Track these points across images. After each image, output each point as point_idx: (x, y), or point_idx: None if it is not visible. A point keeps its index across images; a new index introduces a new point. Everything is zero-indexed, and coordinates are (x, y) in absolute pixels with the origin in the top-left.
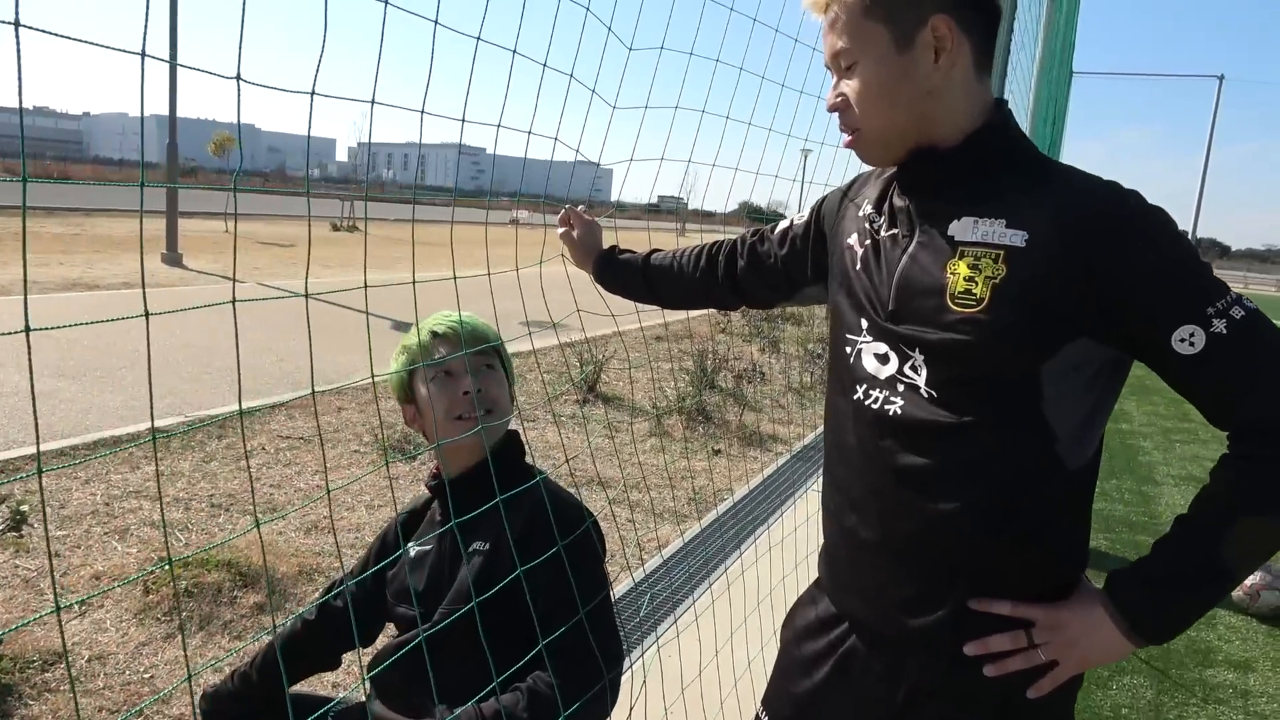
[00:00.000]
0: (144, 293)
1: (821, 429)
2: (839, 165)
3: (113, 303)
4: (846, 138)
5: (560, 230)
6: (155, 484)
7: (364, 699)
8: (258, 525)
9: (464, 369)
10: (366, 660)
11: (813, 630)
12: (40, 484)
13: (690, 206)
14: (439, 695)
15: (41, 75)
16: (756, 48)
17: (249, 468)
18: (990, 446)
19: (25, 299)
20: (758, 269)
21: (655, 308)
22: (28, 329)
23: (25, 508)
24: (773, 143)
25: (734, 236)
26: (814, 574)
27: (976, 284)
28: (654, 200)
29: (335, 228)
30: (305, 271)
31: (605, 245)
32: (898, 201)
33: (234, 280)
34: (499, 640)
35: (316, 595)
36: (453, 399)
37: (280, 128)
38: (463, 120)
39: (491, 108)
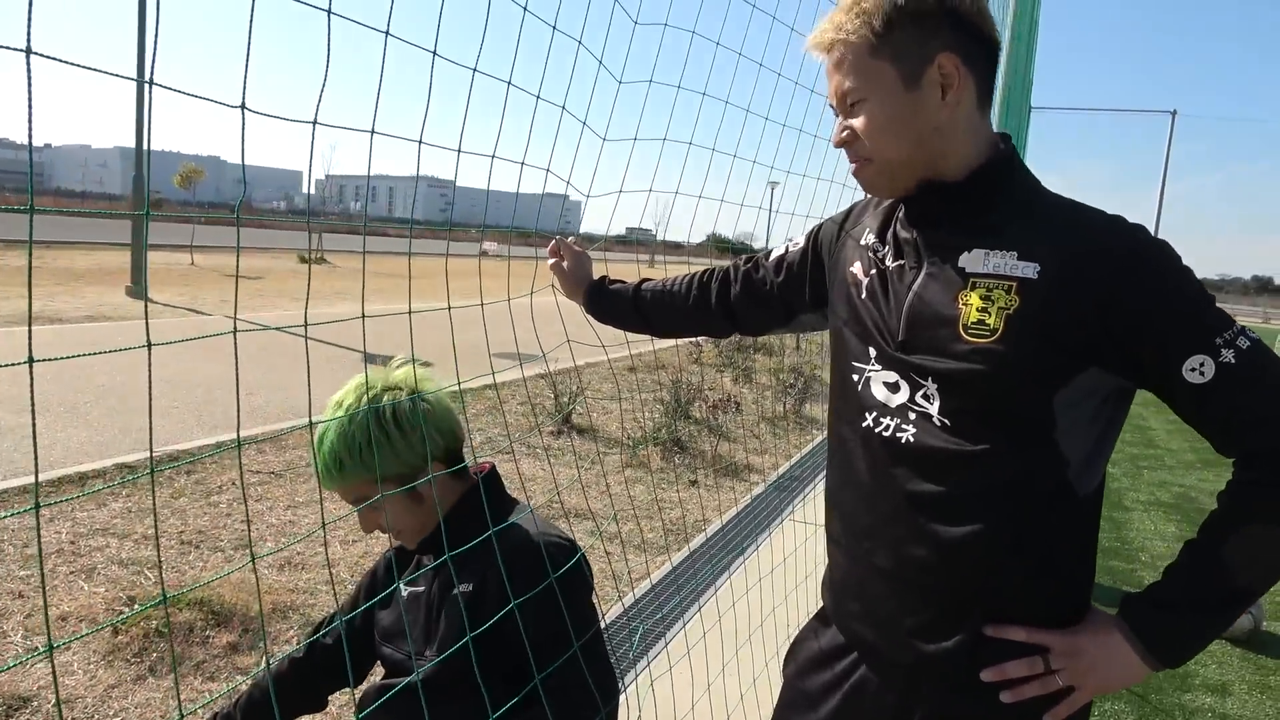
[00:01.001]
0: (146, 323)
1: (796, 459)
2: (818, 196)
3: (76, 336)
4: (853, 166)
5: (550, 261)
6: (122, 521)
7: None
8: (253, 560)
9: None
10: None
11: (818, 662)
12: (37, 518)
13: (659, 238)
14: None
15: None
16: (742, 80)
17: (245, 499)
18: (1004, 474)
19: (29, 330)
20: (753, 296)
21: (642, 336)
22: (31, 359)
23: None
24: (742, 173)
25: (725, 265)
26: (803, 605)
27: (990, 315)
28: (623, 232)
29: (303, 259)
30: (305, 304)
31: (595, 276)
32: (903, 233)
33: (234, 317)
34: (490, 680)
35: (293, 633)
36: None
37: (246, 159)
38: (459, 151)
39: (470, 139)
